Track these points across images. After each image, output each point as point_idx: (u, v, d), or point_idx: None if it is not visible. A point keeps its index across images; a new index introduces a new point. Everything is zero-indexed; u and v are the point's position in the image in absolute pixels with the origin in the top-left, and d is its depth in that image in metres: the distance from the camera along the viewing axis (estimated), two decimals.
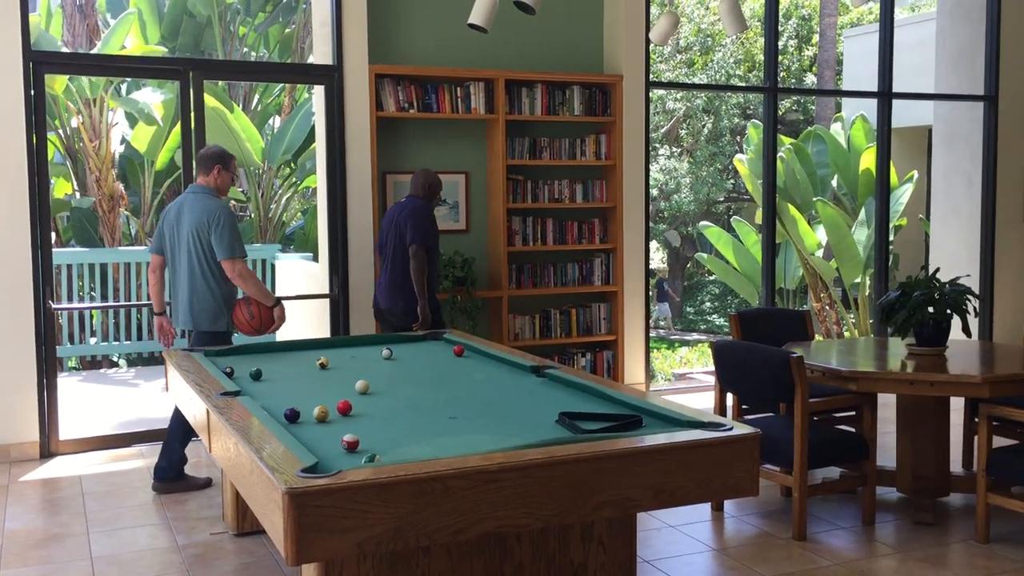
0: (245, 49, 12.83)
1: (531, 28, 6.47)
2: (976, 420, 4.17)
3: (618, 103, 6.58)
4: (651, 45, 7.28)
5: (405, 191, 6.19)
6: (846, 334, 12.33)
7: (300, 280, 8.34)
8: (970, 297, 4.45)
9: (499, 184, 6.31)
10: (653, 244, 18.58)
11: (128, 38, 10.72)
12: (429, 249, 5.30)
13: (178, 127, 8.39)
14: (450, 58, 6.31)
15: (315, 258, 8.46)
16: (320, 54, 6.21)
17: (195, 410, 3.50)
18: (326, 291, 6.19)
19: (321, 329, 6.38)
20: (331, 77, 5.96)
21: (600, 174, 6.76)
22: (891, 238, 10.80)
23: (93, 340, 9.10)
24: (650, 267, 7.09)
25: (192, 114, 5.73)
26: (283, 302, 4.87)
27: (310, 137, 10.82)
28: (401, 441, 2.78)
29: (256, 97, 12.69)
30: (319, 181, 6.41)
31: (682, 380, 11.87)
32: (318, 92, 6.26)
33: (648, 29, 6.68)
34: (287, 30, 12.66)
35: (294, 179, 11.92)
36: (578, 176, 6.69)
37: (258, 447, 2.57)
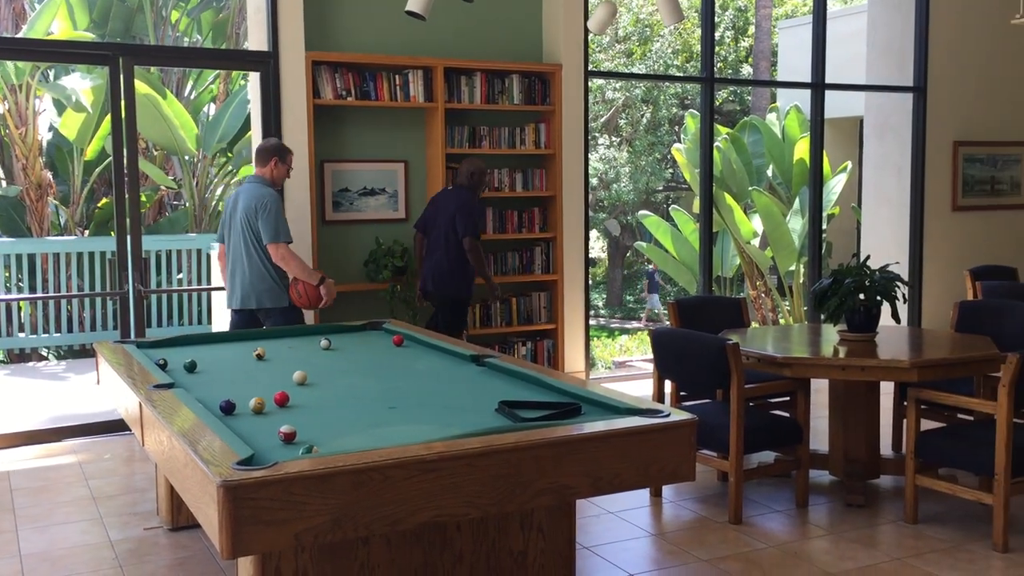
0: (178, 35, 12.56)
1: (470, 16, 6.44)
2: (905, 404, 4.28)
3: (557, 92, 6.60)
4: (590, 35, 7.30)
5: (345, 181, 6.13)
6: (781, 321, 12.56)
7: None
8: (899, 284, 4.56)
9: (438, 173, 6.28)
10: (593, 233, 18.70)
11: (55, 22, 10.42)
12: (479, 237, 5.79)
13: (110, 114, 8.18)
14: (388, 45, 6.25)
15: None
16: (255, 40, 6.11)
17: (127, 403, 3.42)
18: None
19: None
20: (266, 64, 5.87)
21: (540, 163, 6.77)
22: (824, 227, 11.02)
23: (21, 334, 8.85)
24: (589, 256, 7.12)
25: (123, 101, 5.60)
26: (329, 279, 5.15)
27: (246, 125, 10.64)
28: (339, 432, 2.76)
29: (190, 84, 12.43)
30: (254, 170, 6.30)
31: (622, 368, 11.98)
32: (253, 79, 6.15)
33: (587, 18, 6.70)
34: (221, 15, 12.41)
35: (230, 167, 11.72)
36: (518, 165, 6.69)
37: (192, 440, 2.53)
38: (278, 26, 5.81)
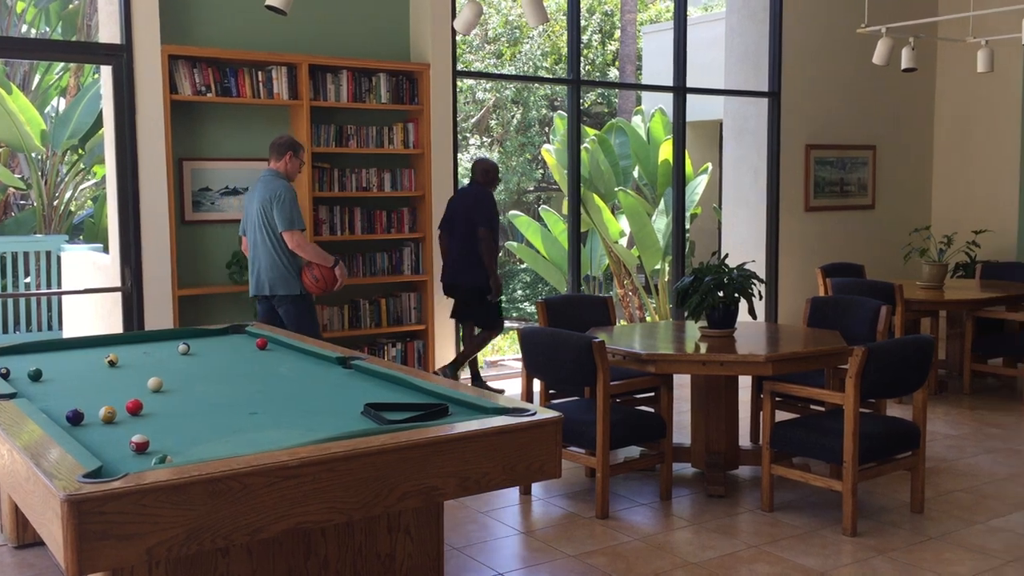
0: (24, 26, 11.88)
1: (336, 13, 6.34)
2: (762, 396, 4.45)
3: (426, 91, 6.56)
4: (458, 35, 7.30)
5: (206, 179, 5.96)
6: (648, 318, 12.87)
7: (89, 273, 7.84)
8: (755, 281, 4.73)
9: (304, 172, 6.14)
10: None
11: None
12: (493, 229, 6.25)
13: None
14: (250, 41, 6.08)
15: (106, 249, 7.97)
16: (108, 32, 5.84)
17: None
18: (117, 284, 5.83)
19: (112, 325, 6.02)
20: (119, 57, 5.61)
21: (409, 163, 6.72)
22: (688, 226, 11.36)
23: None
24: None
25: None
26: (341, 261, 5.47)
27: (99, 121, 10.17)
28: (197, 440, 2.66)
29: (37, 77, 11.79)
30: (108, 167, 6.04)
31: (494, 367, 12.01)
32: (106, 73, 5.88)
33: (454, 18, 6.69)
34: (71, 6, 11.82)
35: (81, 165, 11.16)
36: (386, 164, 6.63)
37: (34, 453, 2.38)
38: (132, 18, 5.57)
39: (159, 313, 5.67)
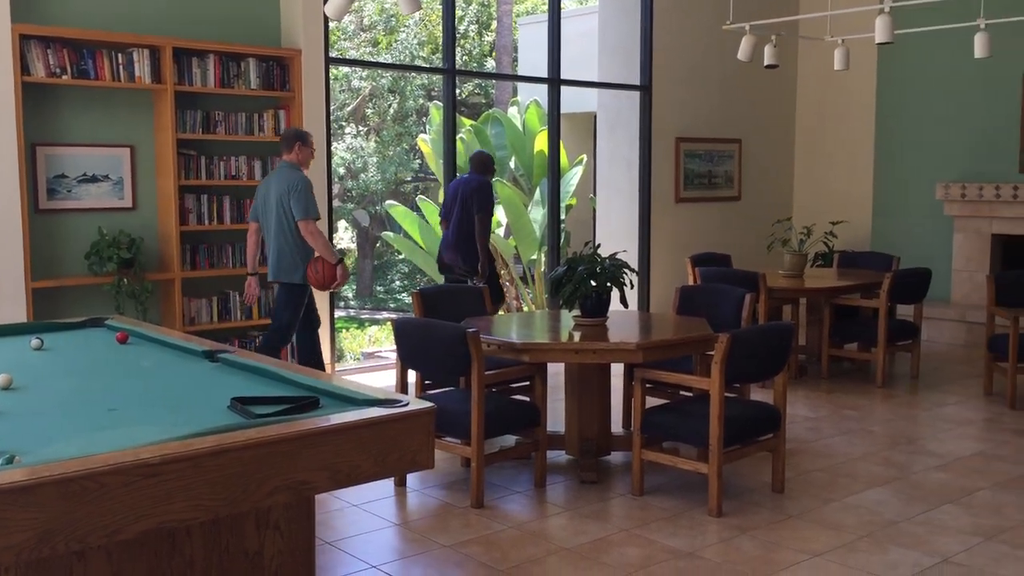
0: None
1: None
2: (633, 383, 4.55)
3: (297, 78, 6.42)
4: (331, 21, 7.17)
5: (62, 166, 5.70)
6: (524, 308, 12.99)
7: None
8: (627, 271, 4.83)
9: (169, 159, 5.93)
10: (342, 223, 18.45)
11: None
12: (488, 216, 6.78)
13: None
14: (109, 21, 5.82)
15: None
16: None
17: None
18: None
19: None
20: None
21: (280, 151, 6.55)
22: (563, 217, 11.51)
23: None
24: (338, 246, 7.01)
25: None
26: (345, 262, 5.70)
27: None
28: (49, 439, 2.53)
29: None
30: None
31: (371, 359, 11.93)
32: None
33: (325, 3, 6.56)
34: None
35: None
36: (257, 152, 6.45)
37: None
38: None
39: (11, 307, 5.37)
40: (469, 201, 6.74)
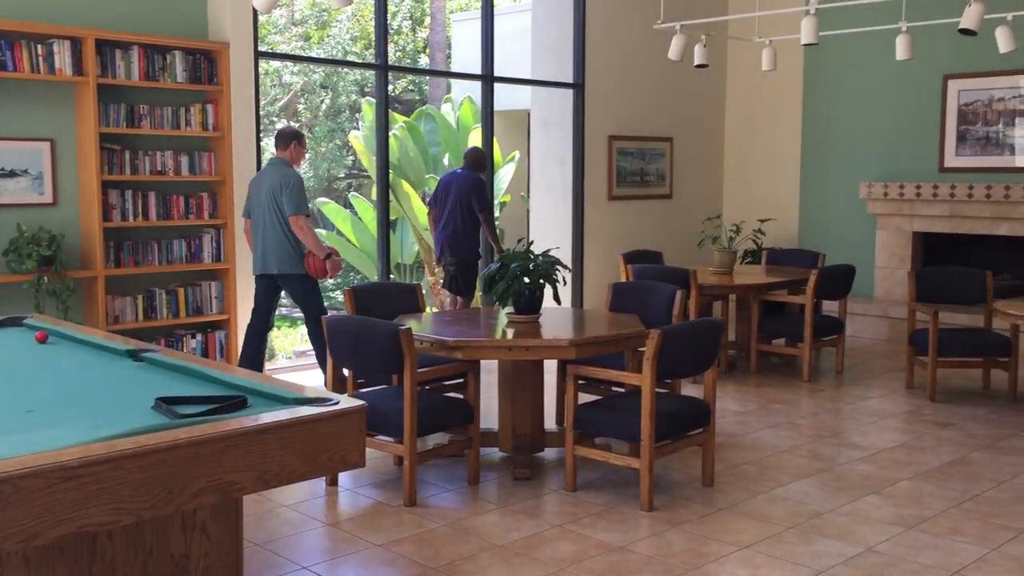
0: None
1: None
2: (566, 380, 4.57)
3: (225, 72, 6.30)
4: (260, 14, 7.05)
5: None
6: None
7: None
8: (560, 268, 4.85)
9: (91, 154, 5.77)
10: None
11: None
12: (489, 211, 7.14)
13: None
14: (29, 11, 5.63)
15: None
16: None
17: None
18: None
19: None
20: None
21: (208, 146, 6.44)
22: (497, 214, 11.51)
23: None
24: None
25: None
26: (336, 256, 5.87)
27: None
28: None
29: None
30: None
31: (303, 357, 11.76)
32: None
33: None
34: None
35: None
36: (184, 147, 6.32)
37: None
38: None
39: None
40: (465, 199, 6.99)
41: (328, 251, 5.82)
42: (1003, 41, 6.25)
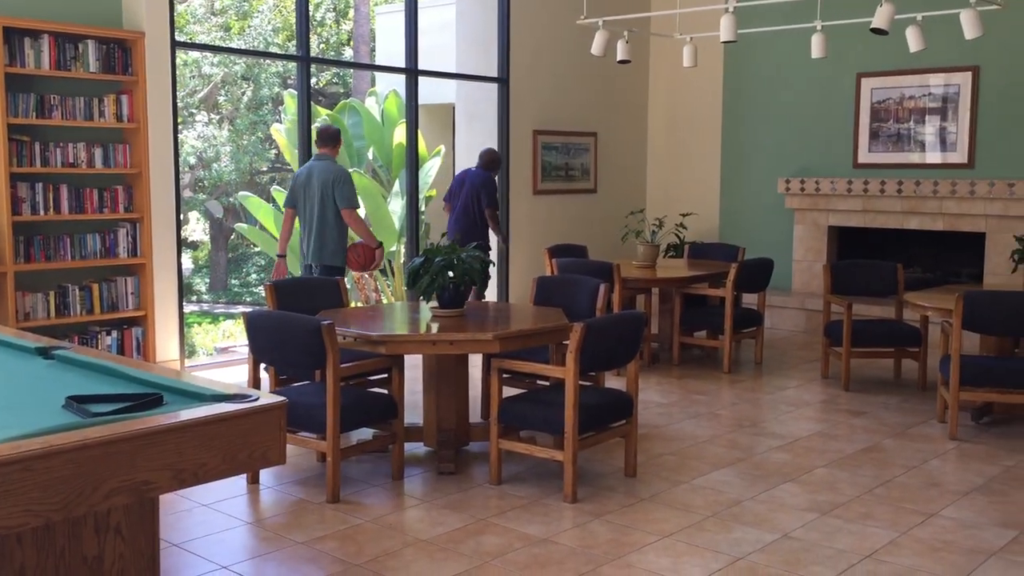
0: None
1: None
2: (490, 373, 4.57)
3: (140, 62, 6.14)
4: (177, 3, 6.89)
5: None
6: (384, 300, 12.88)
7: None
8: (484, 262, 4.85)
9: None
10: (194, 215, 17.79)
11: None
12: (496, 207, 7.65)
13: None
14: None
15: None
16: None
17: None
18: None
19: None
20: None
21: (122, 137, 6.27)
22: (423, 208, 11.47)
23: None
24: (187, 238, 6.77)
25: None
26: (381, 248, 6.41)
27: None
28: None
29: None
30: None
31: (224, 354, 11.56)
32: None
33: None
34: None
35: None
36: (97, 139, 6.14)
37: None
38: None
39: None
40: (476, 195, 7.49)
41: (379, 242, 6.41)
42: (913, 41, 6.44)
